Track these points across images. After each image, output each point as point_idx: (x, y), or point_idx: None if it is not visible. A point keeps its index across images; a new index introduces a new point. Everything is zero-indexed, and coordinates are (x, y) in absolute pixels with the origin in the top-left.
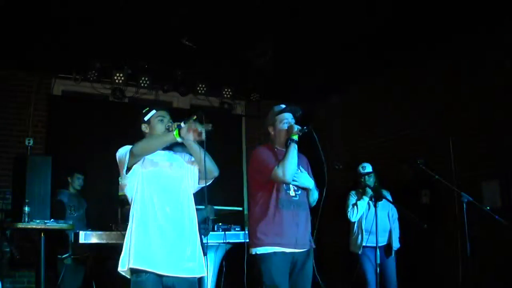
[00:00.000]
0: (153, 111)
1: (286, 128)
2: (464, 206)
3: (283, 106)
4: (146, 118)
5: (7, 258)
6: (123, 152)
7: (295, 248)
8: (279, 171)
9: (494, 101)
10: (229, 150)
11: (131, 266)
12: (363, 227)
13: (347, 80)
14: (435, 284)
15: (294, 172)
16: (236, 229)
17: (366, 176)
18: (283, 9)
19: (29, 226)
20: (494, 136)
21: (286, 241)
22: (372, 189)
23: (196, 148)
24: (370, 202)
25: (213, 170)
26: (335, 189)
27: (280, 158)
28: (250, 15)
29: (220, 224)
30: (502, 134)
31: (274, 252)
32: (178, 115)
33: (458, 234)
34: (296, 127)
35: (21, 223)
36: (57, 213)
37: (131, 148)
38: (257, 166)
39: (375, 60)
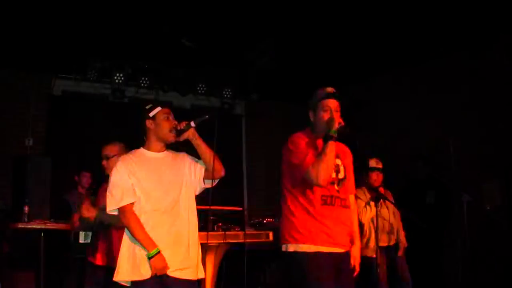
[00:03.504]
0: (159, 108)
1: (326, 118)
2: (464, 206)
3: (330, 90)
4: (151, 114)
5: (7, 258)
6: (111, 194)
7: (339, 248)
8: (312, 173)
9: (494, 101)
10: (229, 150)
11: (132, 279)
12: (374, 228)
13: (347, 79)
14: (435, 283)
15: (329, 175)
16: (236, 229)
17: (371, 172)
18: (283, 9)
19: (29, 226)
20: (494, 136)
21: (330, 240)
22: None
23: (204, 148)
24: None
25: (220, 170)
26: None
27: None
28: (250, 15)
29: (220, 224)
30: (502, 134)
31: (317, 252)
32: (178, 115)
33: (458, 234)
34: (337, 122)
35: (21, 223)
36: (60, 212)
37: (121, 215)
38: (292, 160)
39: (376, 60)
